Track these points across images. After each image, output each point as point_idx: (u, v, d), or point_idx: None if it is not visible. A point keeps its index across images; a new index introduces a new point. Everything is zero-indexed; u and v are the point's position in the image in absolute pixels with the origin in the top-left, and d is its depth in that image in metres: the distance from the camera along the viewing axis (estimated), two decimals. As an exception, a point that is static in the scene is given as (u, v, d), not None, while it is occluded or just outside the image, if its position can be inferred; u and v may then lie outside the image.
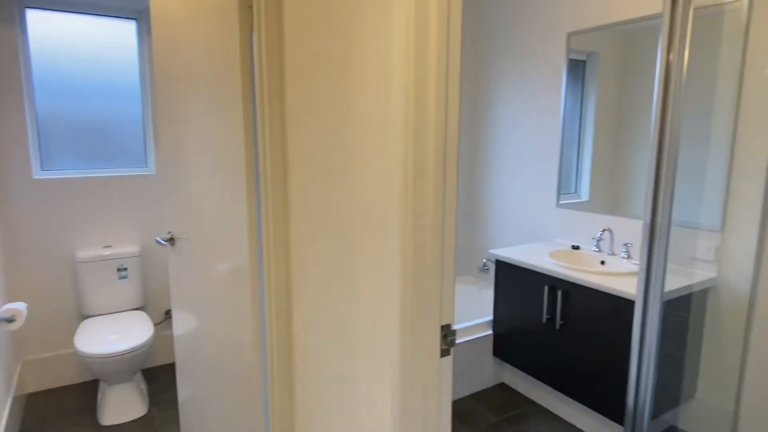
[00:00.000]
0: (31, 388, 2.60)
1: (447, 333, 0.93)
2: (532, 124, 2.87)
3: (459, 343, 2.49)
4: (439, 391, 0.94)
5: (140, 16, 2.66)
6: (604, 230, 2.37)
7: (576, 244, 2.59)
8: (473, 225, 3.38)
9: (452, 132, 0.87)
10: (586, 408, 2.21)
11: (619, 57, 2.37)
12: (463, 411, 2.42)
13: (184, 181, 1.78)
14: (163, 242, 1.91)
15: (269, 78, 1.25)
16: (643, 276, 1.53)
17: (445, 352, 0.94)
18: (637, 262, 2.25)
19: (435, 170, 0.86)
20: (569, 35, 2.59)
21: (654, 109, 1.48)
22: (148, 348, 2.31)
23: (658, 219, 1.48)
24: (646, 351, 1.65)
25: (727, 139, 1.98)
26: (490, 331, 2.60)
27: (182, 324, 1.98)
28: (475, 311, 3.13)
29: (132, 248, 2.65)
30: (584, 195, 2.58)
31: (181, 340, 2.01)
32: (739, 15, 1.93)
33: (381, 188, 0.89)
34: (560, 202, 2.71)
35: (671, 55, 1.42)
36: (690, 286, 2.01)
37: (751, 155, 1.92)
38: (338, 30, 0.99)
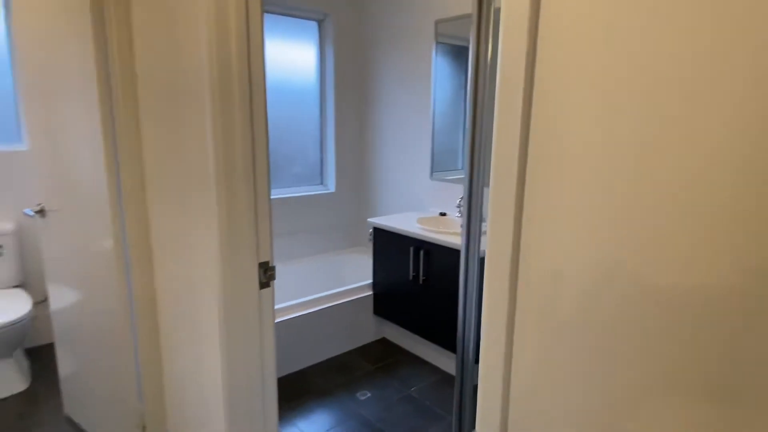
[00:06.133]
0: None
1: (266, 269, 1.14)
2: (407, 108, 3.14)
3: (341, 304, 2.73)
4: (260, 318, 1.15)
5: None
6: (462, 197, 2.70)
7: (444, 211, 2.92)
8: (362, 199, 3.63)
9: (257, 65, 1.05)
10: (446, 351, 2.55)
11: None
12: (343, 362, 2.69)
13: (54, 155, 1.82)
14: (32, 213, 1.93)
15: (121, 61, 1.36)
16: (464, 231, 1.83)
17: (264, 285, 1.14)
18: (489, 225, 2.60)
19: (240, 95, 1.03)
20: (437, 22, 2.87)
21: (468, 90, 1.76)
22: (26, 323, 2.30)
23: (474, 181, 1.78)
24: (468, 293, 1.97)
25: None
26: (371, 292, 2.87)
27: (58, 298, 2.02)
28: (363, 277, 3.39)
29: (6, 225, 2.58)
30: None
31: (59, 315, 2.05)
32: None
33: (200, 142, 1.07)
34: (434, 175, 3.02)
35: (479, 47, 1.71)
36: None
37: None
38: (168, 20, 1.14)
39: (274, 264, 1.15)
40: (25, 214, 2.25)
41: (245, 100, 1.04)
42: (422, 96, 3.04)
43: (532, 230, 0.64)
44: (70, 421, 2.15)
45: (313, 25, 3.30)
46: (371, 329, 2.93)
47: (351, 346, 2.85)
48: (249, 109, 1.05)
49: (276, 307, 2.52)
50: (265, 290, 1.13)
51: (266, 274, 1.13)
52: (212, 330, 1.16)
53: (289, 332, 2.52)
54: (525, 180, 0.64)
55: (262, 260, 1.11)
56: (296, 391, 2.41)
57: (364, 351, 2.83)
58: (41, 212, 1.94)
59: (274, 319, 1.17)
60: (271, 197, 3.17)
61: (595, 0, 0.54)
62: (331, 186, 3.52)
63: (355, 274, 3.45)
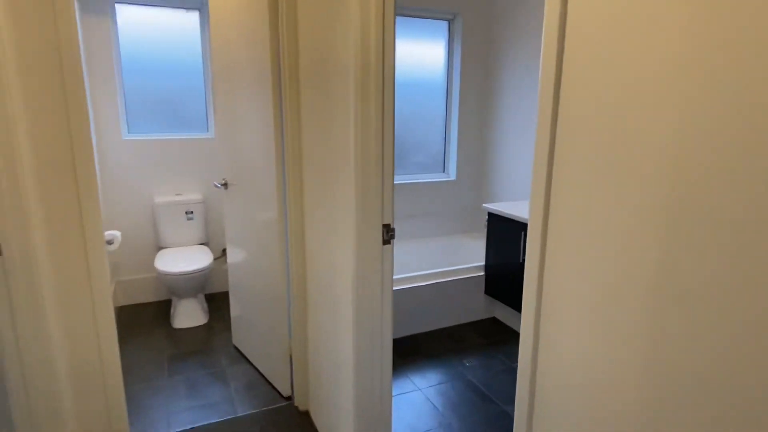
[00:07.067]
0: (122, 303, 3.39)
1: (388, 229, 1.45)
2: (529, 100, 3.24)
3: (455, 280, 2.99)
4: (381, 267, 1.47)
5: (203, 7, 3.26)
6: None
7: (560, 200, 2.99)
8: (481, 187, 3.81)
9: (389, 68, 1.35)
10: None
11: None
12: (454, 333, 2.95)
13: (235, 141, 2.37)
14: (219, 185, 2.53)
15: (289, 67, 1.78)
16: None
17: (386, 242, 1.45)
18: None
19: (375, 91, 1.35)
20: (563, 16, 2.93)
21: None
22: (208, 272, 2.98)
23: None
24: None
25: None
26: (483, 273, 3.07)
27: (234, 256, 2.60)
28: (477, 259, 3.60)
29: (197, 196, 3.33)
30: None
31: (233, 268, 2.64)
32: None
33: (344, 129, 1.41)
34: (553, 165, 3.10)
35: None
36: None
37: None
38: (326, 35, 1.51)
39: (395, 236, 1.46)
40: (214, 186, 2.90)
41: (379, 96, 1.35)
42: (545, 88, 3.12)
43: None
44: (237, 350, 2.76)
45: (444, 24, 3.56)
46: (482, 307, 3.14)
47: (462, 320, 3.09)
48: (381, 104, 1.36)
49: (397, 276, 2.87)
50: (387, 246, 1.44)
51: (388, 233, 1.44)
52: (346, 275, 1.51)
53: (407, 300, 2.86)
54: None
55: (385, 222, 1.43)
56: (410, 351, 2.75)
57: (474, 326, 3.06)
58: (225, 185, 2.53)
59: (392, 271, 1.48)
60: (398, 182, 3.54)
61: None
62: (452, 174, 3.78)
63: (470, 256, 3.67)
